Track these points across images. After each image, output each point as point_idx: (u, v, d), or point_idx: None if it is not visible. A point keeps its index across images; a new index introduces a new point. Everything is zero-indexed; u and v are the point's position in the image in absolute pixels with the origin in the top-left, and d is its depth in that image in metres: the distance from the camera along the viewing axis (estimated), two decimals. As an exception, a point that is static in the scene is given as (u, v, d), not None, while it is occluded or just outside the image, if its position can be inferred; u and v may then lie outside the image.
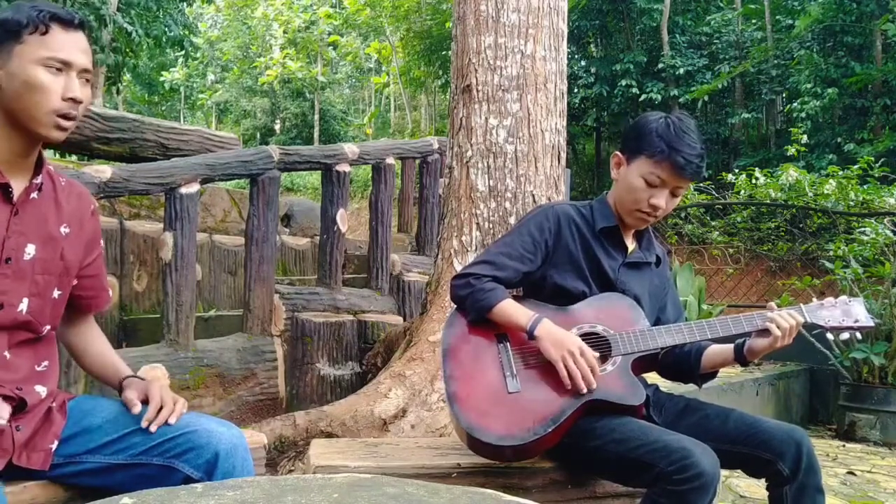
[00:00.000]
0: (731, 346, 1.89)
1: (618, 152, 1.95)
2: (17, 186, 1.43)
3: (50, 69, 1.39)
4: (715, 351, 1.93)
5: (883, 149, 10.13)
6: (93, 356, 1.65)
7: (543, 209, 1.99)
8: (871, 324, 1.85)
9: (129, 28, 9.86)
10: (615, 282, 1.93)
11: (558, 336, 1.76)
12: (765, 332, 1.80)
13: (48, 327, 1.50)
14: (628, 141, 1.93)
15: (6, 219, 1.41)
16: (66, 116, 1.41)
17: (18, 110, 1.39)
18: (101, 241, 1.62)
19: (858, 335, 1.97)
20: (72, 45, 1.41)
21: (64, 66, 1.40)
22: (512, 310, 1.83)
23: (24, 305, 1.42)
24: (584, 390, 1.72)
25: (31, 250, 1.43)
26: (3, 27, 1.38)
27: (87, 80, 1.45)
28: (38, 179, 1.46)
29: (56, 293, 1.49)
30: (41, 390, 1.47)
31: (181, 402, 1.49)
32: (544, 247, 1.92)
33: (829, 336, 1.88)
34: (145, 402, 1.48)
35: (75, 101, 1.41)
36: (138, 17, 10.28)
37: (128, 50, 10.94)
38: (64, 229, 1.50)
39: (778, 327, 1.78)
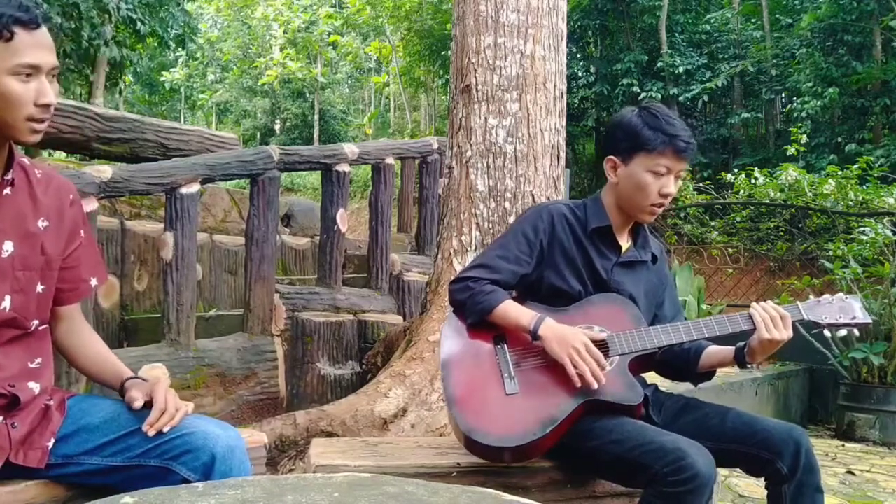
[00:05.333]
0: (732, 347, 1.88)
1: (611, 156, 1.93)
2: None
3: (19, 77, 1.33)
4: (714, 351, 1.93)
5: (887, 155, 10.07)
6: (91, 357, 1.61)
7: (537, 209, 2.00)
8: (869, 320, 1.84)
9: (133, 16, 9.59)
10: (608, 282, 1.93)
11: (562, 333, 1.76)
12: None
13: (36, 322, 1.48)
14: (619, 142, 1.91)
15: None
16: (40, 121, 1.38)
17: None
18: (83, 232, 1.58)
19: (856, 332, 1.96)
20: (38, 47, 1.35)
21: (34, 71, 1.34)
22: (514, 310, 1.83)
23: (6, 303, 1.41)
24: (595, 386, 1.71)
25: (8, 247, 1.42)
26: None
27: (55, 76, 1.41)
28: (10, 175, 1.43)
29: (40, 288, 1.47)
30: (34, 387, 1.46)
31: (182, 411, 1.45)
32: (539, 247, 1.92)
33: (827, 333, 1.88)
34: (150, 403, 1.46)
35: (48, 106, 1.38)
36: (142, 8, 9.98)
37: (132, 44, 10.70)
38: (42, 223, 1.48)
39: (760, 318, 1.77)
